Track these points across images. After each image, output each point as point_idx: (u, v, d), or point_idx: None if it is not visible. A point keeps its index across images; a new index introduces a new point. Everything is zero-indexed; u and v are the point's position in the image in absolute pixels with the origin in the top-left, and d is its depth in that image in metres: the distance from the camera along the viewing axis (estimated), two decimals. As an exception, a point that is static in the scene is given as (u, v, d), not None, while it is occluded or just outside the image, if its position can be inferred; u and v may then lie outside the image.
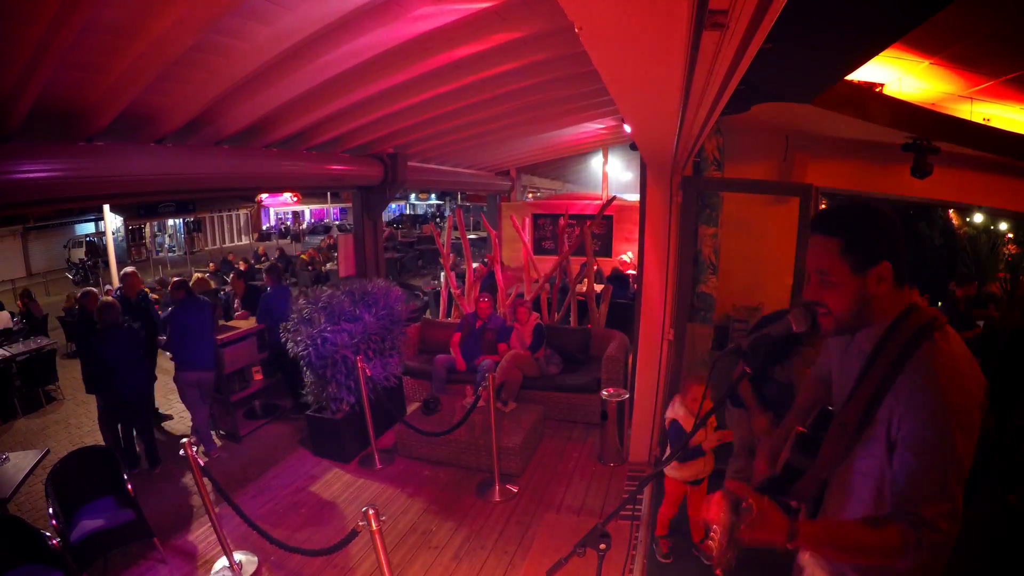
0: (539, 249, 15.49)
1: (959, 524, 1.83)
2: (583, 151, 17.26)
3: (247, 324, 9.05)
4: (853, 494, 2.13)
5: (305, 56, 4.97)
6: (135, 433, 7.65)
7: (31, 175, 4.78)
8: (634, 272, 13.80)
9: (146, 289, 9.77)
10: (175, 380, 7.64)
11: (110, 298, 7.68)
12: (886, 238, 2.03)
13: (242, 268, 20.28)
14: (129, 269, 9.20)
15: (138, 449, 7.65)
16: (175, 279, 8.75)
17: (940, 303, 11.01)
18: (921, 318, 2.02)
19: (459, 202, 44.14)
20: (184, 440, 5.03)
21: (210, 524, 5.38)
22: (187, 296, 7.85)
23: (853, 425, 2.07)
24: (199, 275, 9.98)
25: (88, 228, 37.05)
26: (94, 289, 8.47)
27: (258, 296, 9.66)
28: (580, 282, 11.15)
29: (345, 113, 7.06)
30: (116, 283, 13.08)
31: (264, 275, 9.48)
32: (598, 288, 11.35)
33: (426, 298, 15.91)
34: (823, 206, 11.64)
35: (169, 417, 9.16)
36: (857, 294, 2.04)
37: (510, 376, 8.30)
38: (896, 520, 1.85)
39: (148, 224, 39.12)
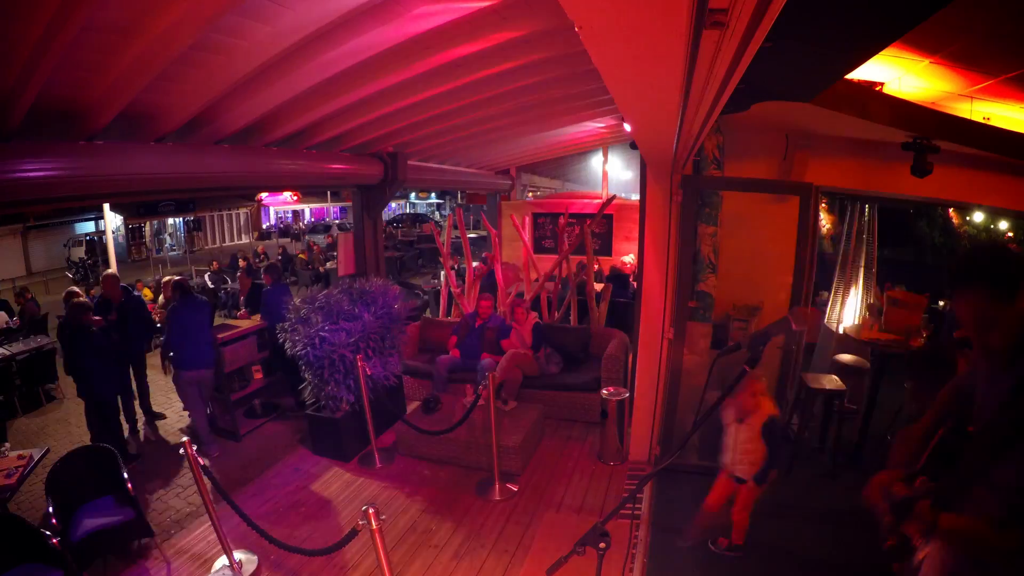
0: (539, 248, 15.51)
1: None
2: (583, 150, 17.28)
3: (248, 323, 9.06)
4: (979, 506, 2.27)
5: (305, 55, 4.97)
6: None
7: (31, 174, 4.79)
8: (630, 265, 13.84)
9: (146, 290, 9.75)
10: (174, 379, 7.65)
11: (82, 299, 7.71)
12: (1016, 263, 2.20)
13: (241, 266, 20.30)
14: (108, 272, 9.15)
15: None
16: (175, 279, 8.75)
17: (940, 303, 11.02)
18: None
19: (459, 201, 44.13)
20: (184, 440, 5.03)
21: (210, 523, 5.38)
22: (184, 295, 7.84)
23: (1004, 437, 2.19)
24: (171, 277, 9.89)
25: (88, 227, 37.01)
26: (77, 289, 8.44)
27: (261, 294, 9.69)
28: (579, 278, 11.14)
29: (345, 112, 7.06)
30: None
31: (264, 274, 9.47)
32: (598, 287, 11.35)
33: (426, 297, 15.92)
34: (823, 205, 11.65)
35: (162, 416, 9.13)
36: (1016, 319, 2.19)
37: (510, 375, 8.30)
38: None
39: (148, 223, 39.08)
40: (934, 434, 2.73)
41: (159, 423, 9.03)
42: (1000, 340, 2.22)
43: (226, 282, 19.22)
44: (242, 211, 47.71)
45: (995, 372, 2.36)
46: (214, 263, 21.14)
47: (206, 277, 19.80)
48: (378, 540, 3.83)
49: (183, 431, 8.69)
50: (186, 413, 8.78)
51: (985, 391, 2.43)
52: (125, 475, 5.64)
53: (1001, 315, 2.18)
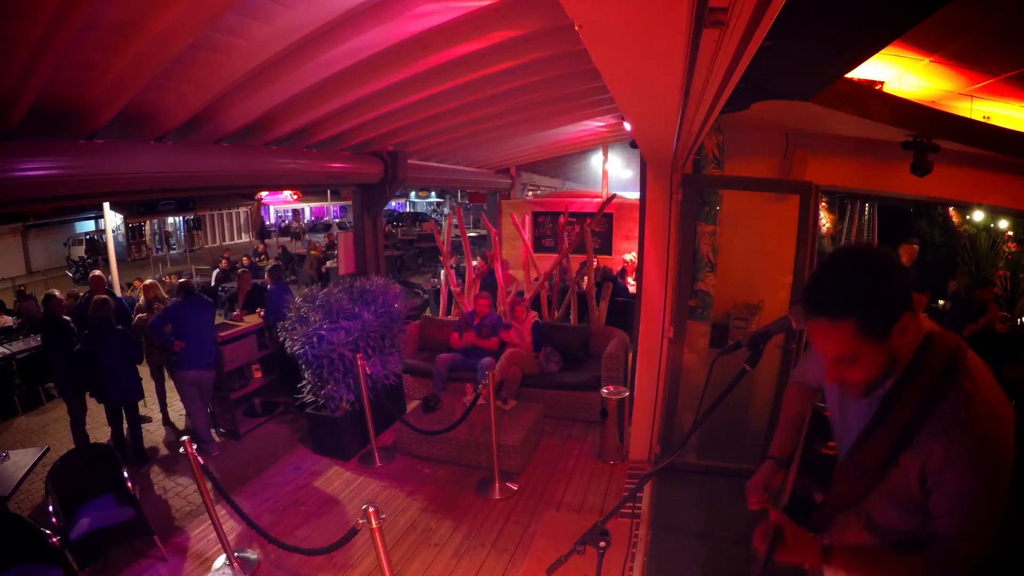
0: (539, 247, 15.50)
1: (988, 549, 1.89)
2: (583, 149, 17.26)
3: (247, 322, 9.05)
4: (873, 523, 2.17)
5: (305, 54, 4.97)
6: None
7: (31, 173, 4.79)
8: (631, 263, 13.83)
9: (147, 292, 9.72)
10: (174, 378, 7.65)
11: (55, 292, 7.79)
12: (897, 293, 1.85)
13: (245, 263, 20.29)
14: (95, 273, 9.14)
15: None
16: (148, 282, 8.79)
17: (940, 301, 11.03)
18: (944, 352, 1.92)
19: (459, 200, 44.12)
20: (184, 439, 5.03)
21: (210, 522, 5.38)
22: (188, 295, 7.83)
23: (876, 468, 2.03)
24: (148, 282, 9.85)
25: (88, 226, 37.05)
26: (56, 292, 8.43)
27: (261, 294, 9.69)
28: (581, 279, 11.13)
29: (345, 111, 7.06)
30: (116, 280, 13.07)
31: (266, 274, 9.46)
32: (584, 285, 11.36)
33: (426, 296, 15.92)
34: (823, 204, 11.64)
35: (147, 419, 9.08)
36: (886, 355, 1.91)
37: (509, 373, 8.30)
38: (929, 552, 1.93)
39: (148, 222, 39.09)
40: (796, 436, 2.80)
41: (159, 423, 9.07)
42: (861, 377, 1.95)
43: (230, 280, 19.20)
44: (242, 210, 47.72)
45: (844, 392, 2.18)
46: (223, 262, 21.07)
47: (214, 275, 19.79)
48: (378, 539, 3.83)
49: (164, 430, 8.70)
50: (186, 413, 8.78)
51: (835, 411, 2.32)
52: (125, 474, 5.65)
53: (867, 354, 1.88)
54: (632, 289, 12.13)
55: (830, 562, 2.01)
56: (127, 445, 7.72)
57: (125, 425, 7.69)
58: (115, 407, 7.53)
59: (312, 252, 24.34)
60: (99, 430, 8.76)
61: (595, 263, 11.64)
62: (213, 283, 18.95)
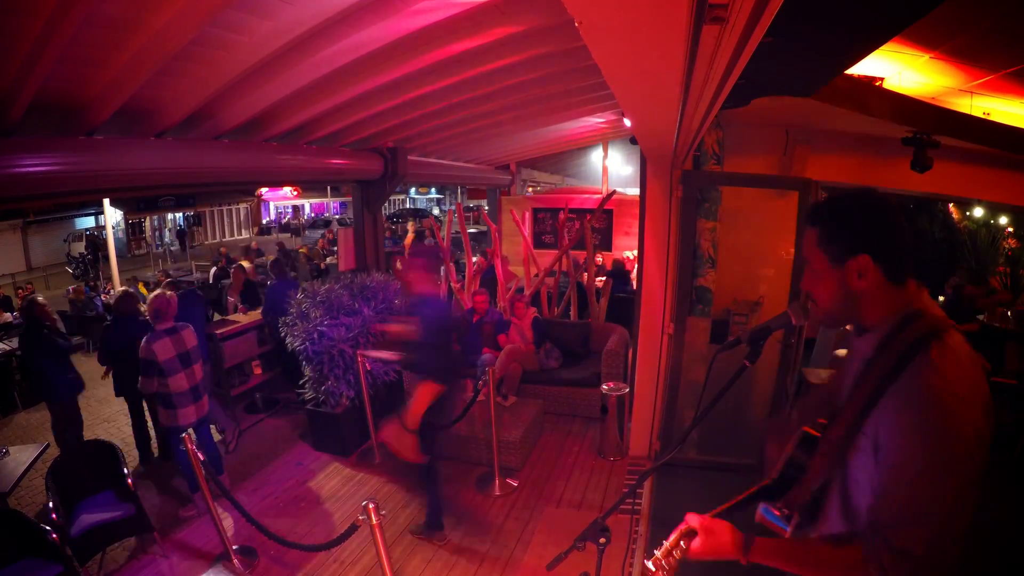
0: (539, 243, 15.49)
1: (955, 548, 1.70)
2: (583, 145, 17.23)
3: (247, 318, 9.06)
4: (850, 503, 1.97)
5: (305, 50, 4.97)
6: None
7: (31, 169, 4.78)
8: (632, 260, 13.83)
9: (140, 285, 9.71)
10: None
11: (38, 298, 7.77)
12: (868, 229, 1.88)
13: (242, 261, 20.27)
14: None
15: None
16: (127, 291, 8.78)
17: (940, 297, 11.03)
18: (923, 325, 1.83)
19: (459, 197, 44.08)
20: (184, 435, 5.04)
21: (210, 518, 5.38)
22: (183, 292, 7.82)
23: (839, 440, 1.95)
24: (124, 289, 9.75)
25: (88, 222, 37.03)
26: (39, 297, 8.36)
27: (255, 291, 9.66)
28: (582, 274, 11.12)
29: (345, 107, 7.05)
30: (116, 278, 13.06)
31: (269, 269, 9.42)
32: (599, 282, 11.35)
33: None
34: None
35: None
36: (839, 287, 1.92)
37: (509, 370, 8.31)
38: (863, 540, 1.76)
39: (148, 218, 39.07)
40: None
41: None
42: (821, 296, 1.99)
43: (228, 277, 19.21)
44: (242, 206, 47.72)
45: (844, 365, 2.16)
46: (222, 259, 21.04)
47: (211, 272, 19.75)
48: (378, 535, 3.84)
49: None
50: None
51: (843, 367, 2.21)
52: (125, 470, 5.65)
53: (827, 272, 1.94)
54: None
55: (750, 552, 1.92)
56: (150, 439, 7.79)
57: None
58: (137, 399, 7.53)
59: (301, 250, 24.46)
60: (97, 428, 8.78)
61: (599, 259, 11.64)
62: (211, 280, 18.92)
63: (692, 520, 2.02)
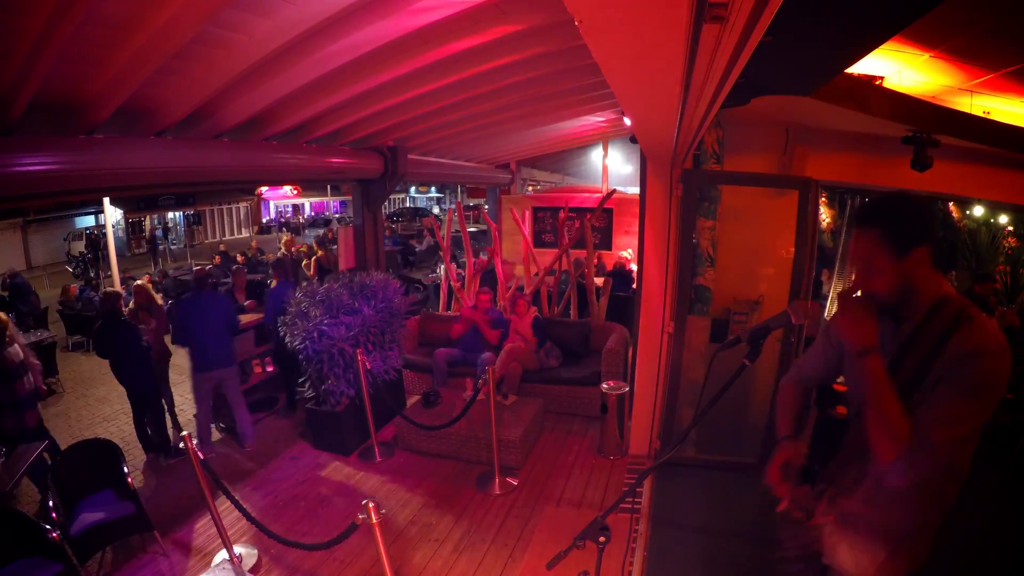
0: (539, 242, 15.50)
1: (963, 469, 2.21)
2: (583, 144, 17.23)
3: (246, 318, 9.04)
4: (879, 478, 2.34)
5: (305, 49, 4.97)
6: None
7: (31, 168, 4.79)
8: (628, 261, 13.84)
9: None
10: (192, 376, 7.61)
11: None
12: (924, 225, 2.19)
13: (240, 261, 20.23)
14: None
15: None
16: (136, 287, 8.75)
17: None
18: (956, 304, 2.18)
19: (459, 196, 44.12)
20: (184, 434, 5.04)
21: (210, 517, 5.38)
22: (198, 288, 7.79)
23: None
24: (138, 283, 9.68)
25: (88, 221, 37.04)
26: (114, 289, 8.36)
27: (257, 289, 9.62)
28: (579, 273, 11.11)
29: (345, 106, 7.06)
30: (116, 277, 13.05)
31: (271, 269, 9.36)
32: (598, 282, 11.35)
33: (426, 291, 15.92)
34: (823, 198, 11.64)
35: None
36: (900, 277, 2.18)
37: (509, 369, 8.31)
38: (913, 428, 2.09)
39: (148, 217, 39.08)
40: (807, 398, 2.89)
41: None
42: (881, 286, 2.21)
43: (226, 277, 19.17)
44: (242, 205, 47.76)
45: (887, 333, 2.34)
46: (216, 257, 20.99)
47: (234, 268, 19.68)
48: (378, 534, 3.84)
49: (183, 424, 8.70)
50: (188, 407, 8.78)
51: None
52: (125, 469, 5.65)
53: (888, 265, 2.17)
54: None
55: (869, 356, 2.15)
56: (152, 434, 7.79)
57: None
58: (135, 395, 7.54)
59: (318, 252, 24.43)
60: (97, 427, 8.80)
61: (595, 259, 11.63)
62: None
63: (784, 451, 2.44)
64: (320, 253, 15.36)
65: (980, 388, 2.05)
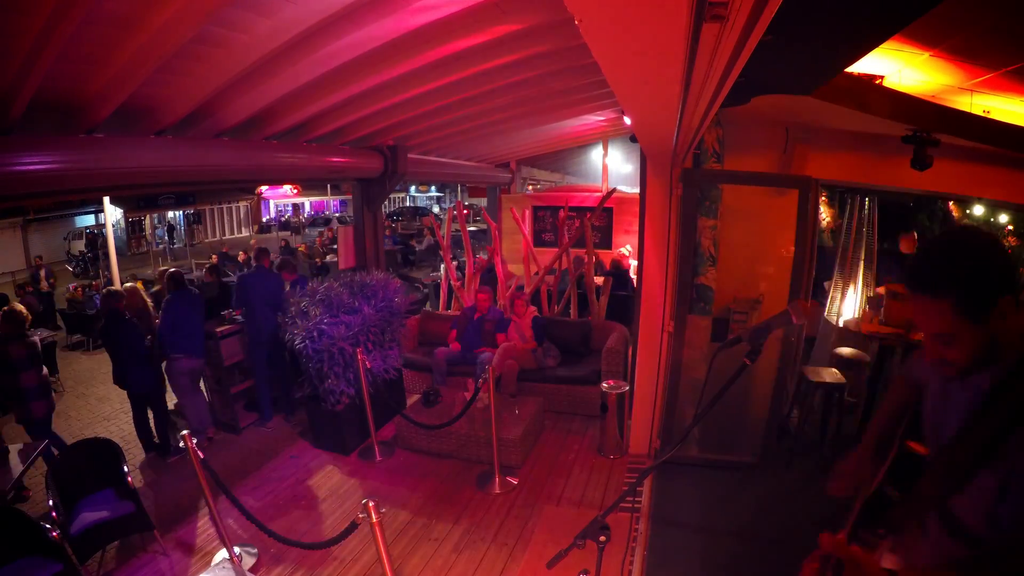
0: (539, 241, 15.49)
1: None
2: (583, 143, 17.24)
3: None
4: (949, 533, 2.03)
5: (305, 48, 4.98)
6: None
7: (31, 167, 4.79)
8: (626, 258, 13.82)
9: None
10: (166, 369, 7.63)
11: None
12: (997, 272, 1.83)
13: (213, 261, 20.18)
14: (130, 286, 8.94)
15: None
16: (171, 270, 8.70)
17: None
18: None
19: (459, 195, 44.12)
20: (184, 433, 5.04)
21: (209, 516, 5.38)
22: (178, 287, 7.81)
23: (966, 467, 1.94)
24: (128, 285, 9.61)
25: (88, 220, 37.07)
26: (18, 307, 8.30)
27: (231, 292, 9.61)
28: (579, 272, 11.10)
29: (345, 105, 7.07)
30: (116, 276, 13.05)
31: (277, 269, 9.26)
32: (598, 281, 11.35)
33: (426, 290, 15.92)
34: (823, 198, 11.63)
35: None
36: (982, 339, 1.86)
37: (505, 367, 8.31)
38: (988, 565, 1.84)
39: (148, 216, 39.07)
40: (895, 428, 2.60)
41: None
42: (958, 357, 1.90)
43: (228, 275, 19.14)
44: (242, 204, 47.76)
45: (948, 385, 2.12)
46: (213, 256, 20.98)
47: (205, 270, 19.64)
48: (378, 533, 3.84)
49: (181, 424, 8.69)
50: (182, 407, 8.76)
51: (937, 405, 2.19)
52: (125, 468, 5.65)
53: (966, 333, 1.85)
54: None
55: None
56: (153, 434, 7.80)
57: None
58: (136, 395, 7.55)
59: (300, 248, 24.48)
60: (97, 426, 8.79)
61: (594, 258, 11.63)
62: (207, 280, 18.81)
63: (841, 550, 1.86)
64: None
65: None
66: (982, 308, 1.81)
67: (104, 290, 7.65)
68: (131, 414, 7.74)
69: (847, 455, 2.58)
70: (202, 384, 8.15)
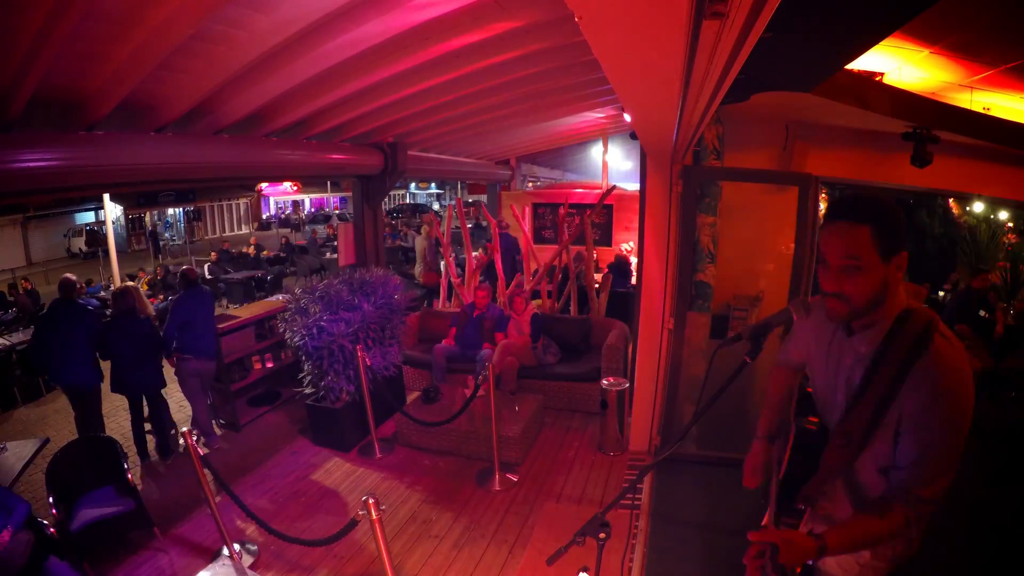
0: (539, 238, 15.50)
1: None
2: (583, 140, 17.26)
3: (247, 313, 9.03)
4: (859, 487, 2.31)
5: (305, 45, 4.97)
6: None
7: (31, 164, 4.78)
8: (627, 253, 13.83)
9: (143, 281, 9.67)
10: (176, 370, 7.62)
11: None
12: (904, 229, 2.10)
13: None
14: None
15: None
16: (184, 268, 8.68)
17: (940, 292, 11.04)
18: (920, 320, 2.09)
19: (459, 192, 44.13)
20: (184, 430, 5.04)
21: (210, 513, 5.38)
22: (189, 286, 7.81)
23: (861, 433, 2.17)
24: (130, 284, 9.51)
25: (88, 217, 37.10)
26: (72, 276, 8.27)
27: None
28: (578, 269, 11.09)
29: (345, 102, 7.06)
30: (116, 274, 13.05)
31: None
32: (598, 278, 11.35)
33: (426, 287, 15.92)
34: (823, 196, 11.63)
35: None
36: (879, 282, 2.06)
37: (505, 364, 8.31)
38: (896, 502, 2.07)
39: (148, 213, 39.10)
40: (786, 413, 2.93)
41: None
42: (857, 291, 2.07)
43: (228, 272, 19.14)
44: (242, 201, 47.77)
45: (830, 354, 2.36)
46: (213, 254, 20.97)
47: (206, 267, 19.65)
48: (378, 530, 3.85)
49: (183, 422, 8.69)
50: (186, 404, 8.75)
51: (826, 381, 2.43)
52: (125, 465, 5.66)
53: (873, 265, 2.04)
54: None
55: (827, 552, 2.07)
56: (153, 436, 7.74)
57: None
58: (135, 396, 7.53)
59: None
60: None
61: (595, 256, 11.63)
62: (208, 276, 18.85)
63: (769, 536, 2.09)
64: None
65: (955, 431, 2.00)
66: (891, 246, 2.03)
67: (113, 289, 7.62)
68: (130, 414, 7.70)
69: (751, 448, 2.78)
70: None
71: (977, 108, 7.09)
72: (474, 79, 6.79)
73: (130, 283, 10.04)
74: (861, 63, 6.26)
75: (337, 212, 51.04)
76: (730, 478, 6.25)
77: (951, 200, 14.70)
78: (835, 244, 2.07)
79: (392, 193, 43.23)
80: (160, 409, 7.67)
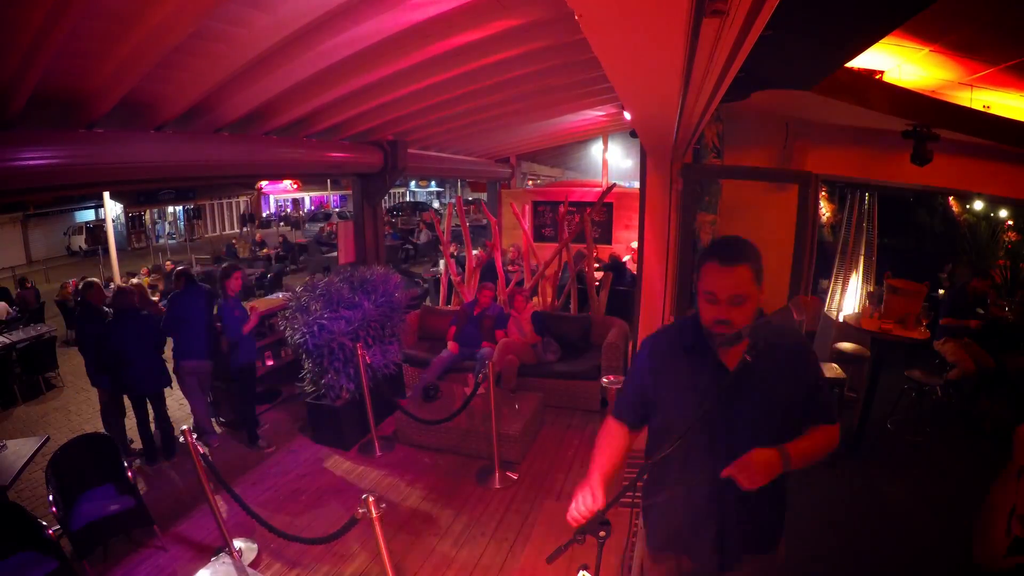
0: (539, 236, 15.49)
1: None
2: (583, 138, 17.23)
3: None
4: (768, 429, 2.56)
5: (305, 43, 4.96)
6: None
7: (31, 162, 4.78)
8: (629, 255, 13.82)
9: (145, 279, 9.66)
10: (174, 370, 7.61)
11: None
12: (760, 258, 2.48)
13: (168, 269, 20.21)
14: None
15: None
16: (180, 268, 8.68)
17: (940, 291, 11.02)
18: (760, 319, 2.50)
19: (459, 190, 44.11)
20: (184, 428, 5.04)
21: (210, 512, 5.38)
22: (188, 284, 7.80)
23: (775, 424, 2.51)
24: (134, 281, 9.49)
25: (88, 215, 37.12)
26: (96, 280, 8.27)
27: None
28: (579, 267, 11.09)
29: (345, 100, 7.05)
30: (116, 272, 13.06)
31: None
32: (598, 276, 11.35)
33: (426, 285, 15.92)
34: (823, 193, 11.62)
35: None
36: (757, 303, 2.43)
37: (505, 363, 8.31)
38: (830, 424, 2.62)
39: (148, 211, 39.11)
40: (622, 462, 3.11)
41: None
42: (742, 318, 2.37)
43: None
44: (242, 199, 47.75)
45: (689, 380, 2.59)
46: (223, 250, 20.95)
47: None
48: (378, 528, 3.85)
49: (183, 421, 8.69)
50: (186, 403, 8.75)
51: (676, 411, 2.71)
52: (125, 463, 5.66)
53: (753, 295, 2.38)
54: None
55: (791, 461, 2.39)
56: (154, 437, 7.64)
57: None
58: (139, 395, 7.49)
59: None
60: (97, 422, 8.80)
61: (594, 253, 11.63)
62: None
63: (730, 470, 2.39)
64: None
65: (820, 377, 2.61)
66: (760, 277, 2.39)
67: (114, 286, 7.61)
68: (132, 413, 7.68)
69: (579, 489, 2.70)
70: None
71: (977, 106, 7.09)
72: (474, 77, 6.78)
73: (134, 280, 10.05)
74: (861, 61, 6.26)
75: (337, 210, 51.03)
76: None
77: (951, 198, 14.68)
78: (724, 283, 2.37)
79: (392, 191, 43.30)
80: (162, 410, 7.66)
